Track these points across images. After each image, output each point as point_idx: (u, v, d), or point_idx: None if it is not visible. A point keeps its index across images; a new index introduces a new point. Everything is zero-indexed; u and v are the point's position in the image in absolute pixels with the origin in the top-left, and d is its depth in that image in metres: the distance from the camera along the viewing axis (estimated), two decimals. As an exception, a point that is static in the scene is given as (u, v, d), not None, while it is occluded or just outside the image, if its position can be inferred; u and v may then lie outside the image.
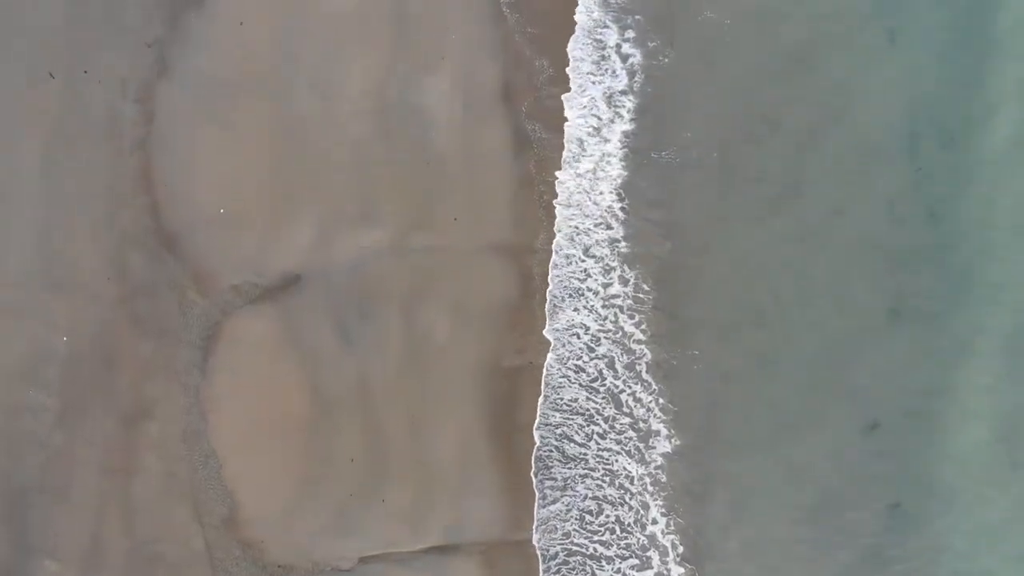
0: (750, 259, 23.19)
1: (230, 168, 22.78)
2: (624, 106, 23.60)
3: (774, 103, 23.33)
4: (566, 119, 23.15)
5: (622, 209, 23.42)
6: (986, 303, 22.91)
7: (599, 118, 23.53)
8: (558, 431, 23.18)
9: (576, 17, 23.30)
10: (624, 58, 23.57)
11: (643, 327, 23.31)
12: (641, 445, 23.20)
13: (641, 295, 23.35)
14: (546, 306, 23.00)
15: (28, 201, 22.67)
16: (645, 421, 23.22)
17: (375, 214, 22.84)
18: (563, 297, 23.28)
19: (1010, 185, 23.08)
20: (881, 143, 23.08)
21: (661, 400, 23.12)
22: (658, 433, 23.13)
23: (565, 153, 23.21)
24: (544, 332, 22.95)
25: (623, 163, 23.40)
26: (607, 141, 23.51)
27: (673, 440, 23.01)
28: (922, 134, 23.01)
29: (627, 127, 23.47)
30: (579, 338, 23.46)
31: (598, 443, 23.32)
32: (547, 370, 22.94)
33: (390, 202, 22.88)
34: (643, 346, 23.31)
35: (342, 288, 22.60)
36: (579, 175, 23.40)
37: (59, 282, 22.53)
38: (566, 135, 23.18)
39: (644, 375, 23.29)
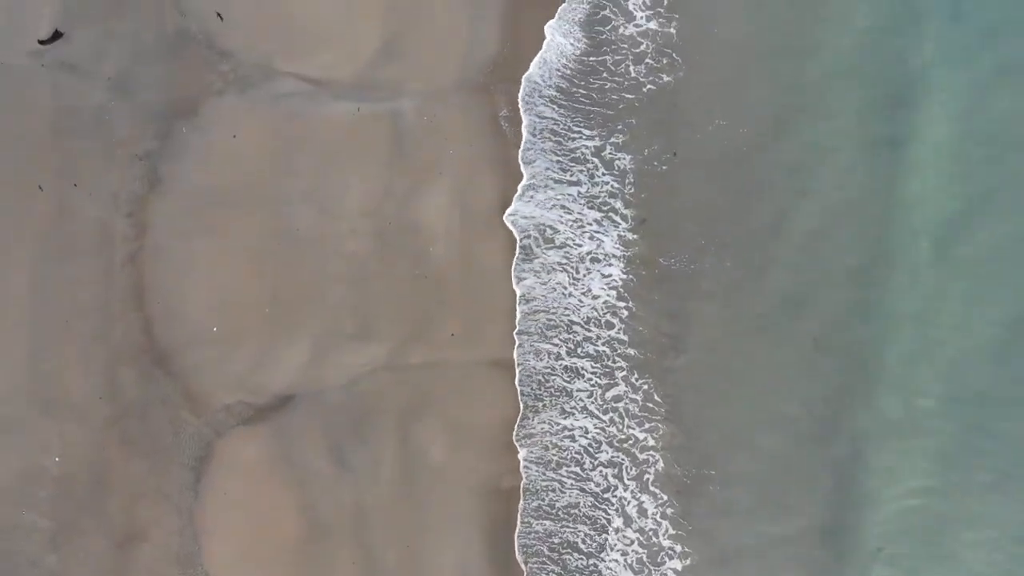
0: (773, 377, 22.71)
1: (223, 284, 22.38)
2: (617, 209, 23.09)
3: (793, 213, 22.84)
4: (513, 215, 22.65)
5: (627, 309, 22.95)
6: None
7: (577, 217, 23.02)
8: (554, 540, 22.79)
9: (523, 117, 22.75)
10: (608, 163, 23.02)
11: (653, 436, 22.79)
12: (648, 560, 22.76)
13: (651, 404, 22.85)
14: (520, 410, 22.44)
15: (17, 317, 22.26)
16: (655, 534, 22.74)
17: (371, 330, 22.41)
18: (540, 396, 22.78)
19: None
20: (891, 253, 22.69)
21: (670, 511, 22.67)
22: (670, 551, 22.63)
23: (518, 250, 22.59)
24: (513, 436, 22.40)
25: (626, 266, 22.92)
26: (596, 241, 22.97)
27: (684, 560, 22.61)
28: (924, 240, 22.63)
29: (624, 232, 22.98)
30: (575, 441, 23.04)
31: (608, 554, 22.87)
32: (527, 477, 22.35)
33: (387, 317, 22.45)
34: (651, 453, 22.76)
35: (337, 407, 22.21)
36: (548, 270, 22.85)
37: (50, 400, 22.18)
38: (518, 230, 22.59)
39: (651, 487, 22.82)
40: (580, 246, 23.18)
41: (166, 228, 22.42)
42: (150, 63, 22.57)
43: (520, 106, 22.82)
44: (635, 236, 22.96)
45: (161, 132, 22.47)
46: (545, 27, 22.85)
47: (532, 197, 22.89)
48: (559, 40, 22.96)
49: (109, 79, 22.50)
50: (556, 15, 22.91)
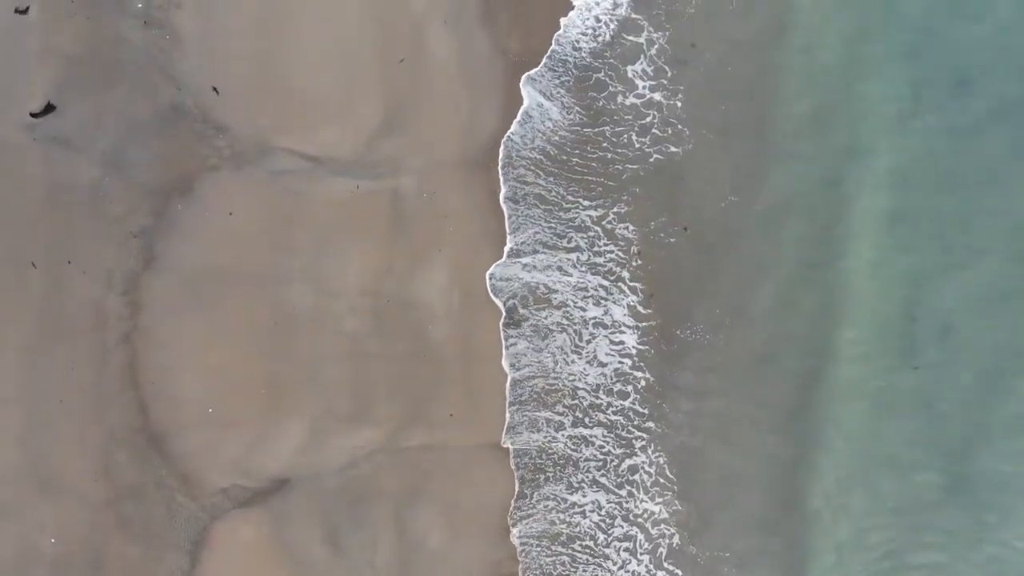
0: (790, 456, 22.45)
1: (219, 364, 21.96)
2: (623, 278, 22.56)
3: (808, 288, 22.45)
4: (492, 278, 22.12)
5: (644, 380, 22.43)
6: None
7: (578, 281, 22.54)
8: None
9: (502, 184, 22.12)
10: (608, 232, 22.51)
11: (664, 513, 22.46)
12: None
13: (664, 480, 22.46)
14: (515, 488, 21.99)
15: (10, 397, 21.90)
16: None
17: (369, 411, 21.99)
18: (543, 468, 22.31)
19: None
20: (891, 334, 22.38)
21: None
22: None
23: (503, 314, 22.09)
24: (508, 517, 21.99)
25: (641, 337, 22.42)
26: (603, 307, 22.49)
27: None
28: (920, 323, 22.32)
29: (633, 303, 22.47)
30: (585, 517, 22.61)
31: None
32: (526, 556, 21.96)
33: (385, 398, 22.03)
34: (663, 527, 22.44)
35: (333, 491, 21.81)
36: (543, 334, 22.36)
37: (45, 482, 21.84)
38: (498, 293, 22.09)
39: (665, 563, 22.47)
40: (584, 311, 22.67)
41: (161, 307, 22.00)
42: (145, 137, 22.07)
43: (500, 168, 22.20)
44: (647, 311, 22.46)
45: (156, 208, 22.01)
46: (520, 83, 22.25)
47: (516, 260, 22.35)
48: (536, 97, 22.31)
49: (103, 153, 22.01)
50: (538, 65, 22.29)
